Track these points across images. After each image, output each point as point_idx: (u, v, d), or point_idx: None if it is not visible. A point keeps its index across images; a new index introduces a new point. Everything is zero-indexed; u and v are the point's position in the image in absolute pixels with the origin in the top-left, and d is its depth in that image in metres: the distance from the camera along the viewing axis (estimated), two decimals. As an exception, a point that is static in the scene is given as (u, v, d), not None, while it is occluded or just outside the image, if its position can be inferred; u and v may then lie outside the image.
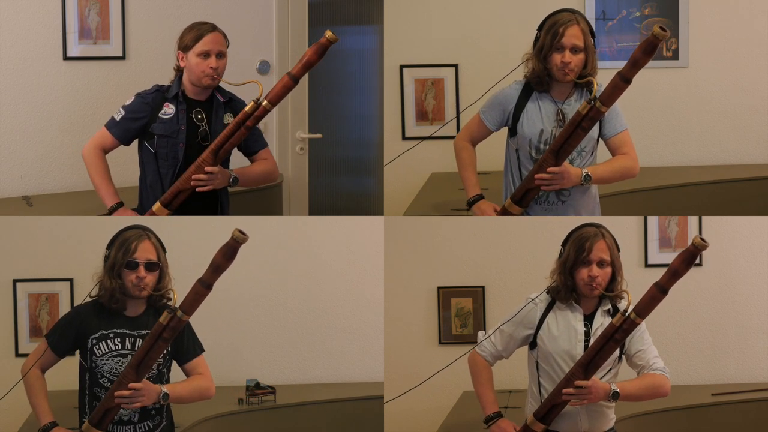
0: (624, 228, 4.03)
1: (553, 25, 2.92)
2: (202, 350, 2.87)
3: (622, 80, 2.78)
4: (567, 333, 2.76)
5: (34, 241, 3.98)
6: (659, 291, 2.54)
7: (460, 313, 4.12)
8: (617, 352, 2.73)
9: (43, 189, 4.06)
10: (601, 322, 2.75)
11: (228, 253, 2.49)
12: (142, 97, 3.17)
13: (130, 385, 2.61)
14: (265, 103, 2.99)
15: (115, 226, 2.77)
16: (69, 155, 4.02)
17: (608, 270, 2.73)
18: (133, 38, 4.17)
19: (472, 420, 3.45)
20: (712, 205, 4.03)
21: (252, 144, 3.27)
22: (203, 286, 2.54)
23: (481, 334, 2.96)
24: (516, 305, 2.87)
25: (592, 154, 3.06)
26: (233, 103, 3.24)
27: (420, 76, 4.46)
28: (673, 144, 4.49)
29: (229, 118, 3.18)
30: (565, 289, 2.76)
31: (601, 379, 2.70)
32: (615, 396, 2.69)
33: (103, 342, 2.71)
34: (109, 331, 2.72)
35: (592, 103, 2.84)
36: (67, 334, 2.77)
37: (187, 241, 3.67)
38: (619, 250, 2.77)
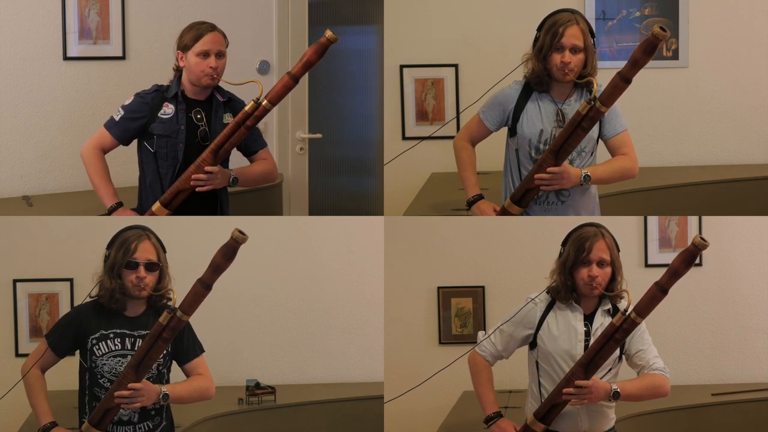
0: (624, 228, 4.03)
1: (552, 25, 2.92)
2: (202, 350, 2.87)
3: (622, 80, 2.78)
4: (567, 333, 2.76)
5: (34, 241, 3.98)
6: (659, 290, 2.54)
7: (460, 313, 4.12)
8: (617, 352, 2.73)
9: (43, 189, 4.06)
10: (601, 321, 2.75)
11: (228, 253, 2.49)
12: (142, 97, 3.17)
13: (130, 385, 2.61)
14: (265, 102, 2.99)
15: (115, 226, 2.77)
16: (69, 155, 4.02)
17: (608, 270, 2.73)
18: (133, 38, 4.17)
19: (472, 420, 3.45)
20: (712, 205, 4.03)
21: (251, 144, 3.26)
22: (203, 287, 2.54)
23: (481, 334, 2.96)
24: (516, 305, 2.87)
25: (591, 154, 3.06)
26: (233, 103, 3.24)
27: (420, 76, 4.46)
28: (673, 144, 4.49)
29: (228, 118, 3.18)
30: (565, 289, 2.76)
31: (601, 379, 2.70)
32: (615, 396, 2.69)
33: (103, 342, 2.71)
34: (109, 331, 2.72)
35: (592, 103, 2.84)
36: (67, 335, 2.77)
37: (187, 241, 3.67)
38: (618, 250, 2.77)
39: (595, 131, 3.00)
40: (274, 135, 4.61)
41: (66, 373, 2.94)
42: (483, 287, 4.12)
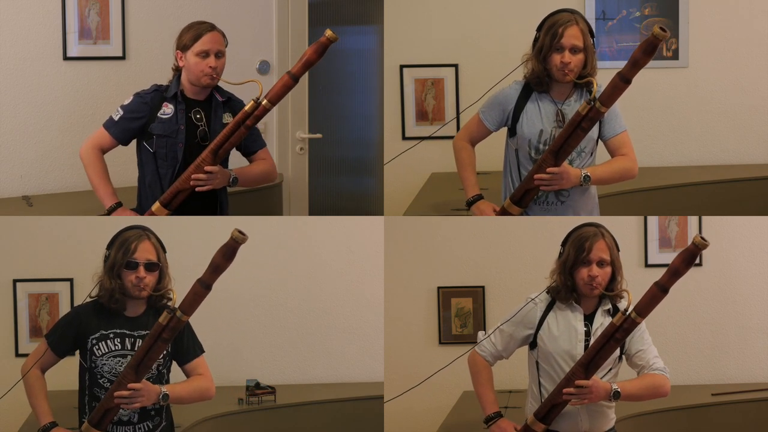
0: (624, 228, 4.03)
1: (552, 26, 2.92)
2: (202, 351, 2.87)
3: (622, 81, 2.78)
4: (567, 333, 2.76)
5: (34, 241, 3.98)
6: (660, 290, 2.54)
7: (460, 313, 4.12)
8: (617, 351, 2.73)
9: (43, 189, 4.06)
10: (602, 321, 2.75)
11: (227, 254, 2.48)
12: (141, 96, 3.16)
13: (130, 385, 2.61)
14: (264, 102, 2.99)
15: (115, 226, 2.77)
16: (69, 155, 4.02)
17: (608, 269, 2.73)
18: (133, 38, 4.17)
19: (472, 420, 3.45)
20: (712, 205, 4.03)
21: (251, 144, 3.26)
22: (202, 287, 2.54)
23: (481, 334, 2.96)
24: (516, 305, 2.87)
25: (591, 154, 3.06)
26: (232, 103, 3.23)
27: (420, 76, 4.46)
28: (673, 144, 4.49)
29: (228, 118, 3.18)
30: (565, 289, 2.76)
31: (601, 378, 2.70)
32: (616, 396, 2.69)
33: (103, 342, 2.71)
34: (109, 331, 2.72)
35: (592, 103, 2.84)
36: (67, 335, 2.77)
37: (186, 241, 3.67)
38: (618, 250, 2.77)
39: (594, 132, 3.00)
40: (274, 135, 4.61)
41: (66, 373, 2.94)
42: (483, 287, 4.12)
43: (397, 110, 4.48)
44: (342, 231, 4.26)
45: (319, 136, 4.70)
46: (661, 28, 2.63)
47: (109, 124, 3.16)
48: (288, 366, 4.22)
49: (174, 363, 2.83)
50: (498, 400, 2.92)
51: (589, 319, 2.77)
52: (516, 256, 4.10)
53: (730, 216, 4.05)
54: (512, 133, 3.08)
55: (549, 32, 2.92)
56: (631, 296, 2.63)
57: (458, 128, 4.12)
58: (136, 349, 2.69)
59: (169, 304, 2.63)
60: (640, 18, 4.40)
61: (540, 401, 2.77)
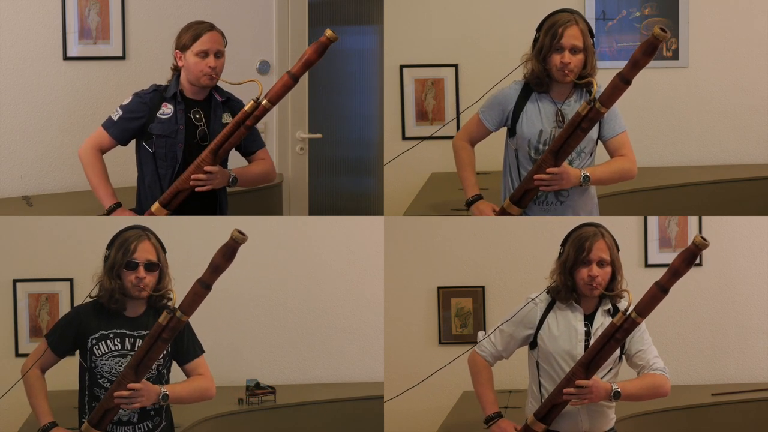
0: (624, 228, 4.03)
1: (552, 26, 2.92)
2: (202, 351, 2.87)
3: (622, 81, 2.77)
4: (567, 333, 2.76)
5: (34, 241, 3.98)
6: (660, 290, 2.54)
7: (460, 313, 4.12)
8: (618, 351, 2.73)
9: (43, 189, 4.06)
10: (602, 321, 2.75)
11: (227, 254, 2.48)
12: (140, 96, 3.16)
13: (129, 385, 2.61)
14: (264, 102, 2.99)
15: (115, 226, 2.77)
16: (69, 155, 4.02)
17: (608, 269, 2.73)
18: (133, 38, 4.17)
19: (472, 420, 3.45)
20: (712, 205, 4.03)
21: (250, 144, 3.26)
22: (202, 287, 2.54)
23: (481, 334, 2.96)
24: (516, 305, 2.87)
25: (591, 155, 3.06)
26: (231, 103, 3.23)
27: (420, 76, 4.46)
28: (673, 144, 4.49)
29: (227, 118, 3.18)
30: (565, 289, 2.76)
31: (601, 378, 2.70)
32: (616, 396, 2.69)
33: (103, 342, 2.71)
34: (109, 331, 2.72)
35: (592, 103, 2.84)
36: (67, 335, 2.77)
37: (186, 241, 3.67)
38: (618, 250, 2.77)
39: (594, 132, 3.00)
40: (274, 135, 4.61)
41: (66, 373, 2.94)
42: (483, 287, 4.12)
43: (397, 110, 4.48)
44: (342, 231, 4.26)
45: (319, 136, 4.70)
46: (661, 29, 2.63)
47: (108, 124, 3.15)
48: (288, 366, 4.22)
49: (174, 363, 2.83)
50: (498, 400, 2.92)
51: (589, 319, 2.77)
52: (516, 256, 4.10)
53: (730, 216, 4.05)
54: (512, 133, 3.08)
55: (549, 32, 2.92)
56: (631, 296, 2.63)
57: (458, 128, 4.11)
58: (135, 349, 2.69)
59: (169, 304, 2.63)
60: (640, 18, 4.40)
61: (540, 401, 2.77)
